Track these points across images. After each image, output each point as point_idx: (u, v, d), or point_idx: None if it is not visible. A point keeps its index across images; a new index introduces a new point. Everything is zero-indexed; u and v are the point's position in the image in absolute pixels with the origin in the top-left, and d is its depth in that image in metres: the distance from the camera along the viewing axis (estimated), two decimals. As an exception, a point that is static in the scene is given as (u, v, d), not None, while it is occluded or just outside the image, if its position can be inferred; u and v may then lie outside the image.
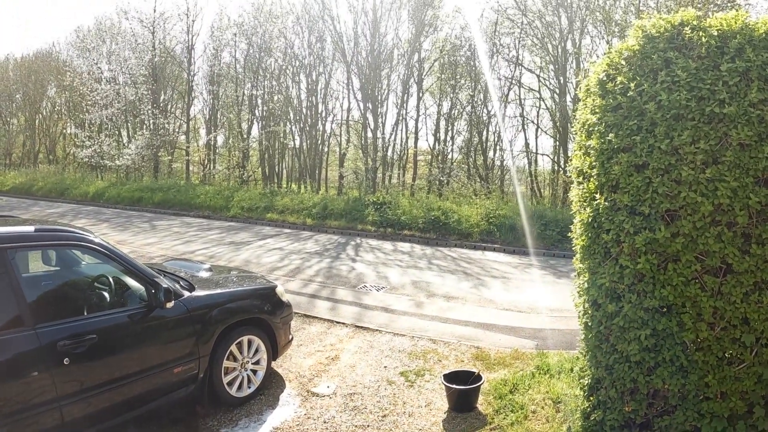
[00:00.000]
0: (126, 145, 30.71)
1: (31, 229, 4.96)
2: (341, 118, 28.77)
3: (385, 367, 6.95)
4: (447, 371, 6.19)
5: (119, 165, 29.60)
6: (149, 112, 29.80)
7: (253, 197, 21.17)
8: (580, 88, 4.86)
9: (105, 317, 5.06)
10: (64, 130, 39.67)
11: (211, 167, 31.30)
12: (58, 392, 4.54)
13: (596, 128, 4.31)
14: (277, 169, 30.93)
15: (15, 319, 4.45)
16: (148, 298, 5.26)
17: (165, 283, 5.34)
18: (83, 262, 6.06)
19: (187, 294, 5.70)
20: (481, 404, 5.89)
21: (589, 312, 4.45)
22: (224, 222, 19.52)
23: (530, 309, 9.31)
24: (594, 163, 4.31)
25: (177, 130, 32.78)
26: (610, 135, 4.14)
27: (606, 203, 4.17)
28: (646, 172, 3.97)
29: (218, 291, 6.18)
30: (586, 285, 4.44)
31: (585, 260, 4.46)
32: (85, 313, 5.13)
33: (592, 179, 4.33)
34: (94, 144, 29.95)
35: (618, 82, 4.21)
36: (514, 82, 25.43)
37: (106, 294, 5.31)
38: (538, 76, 25.26)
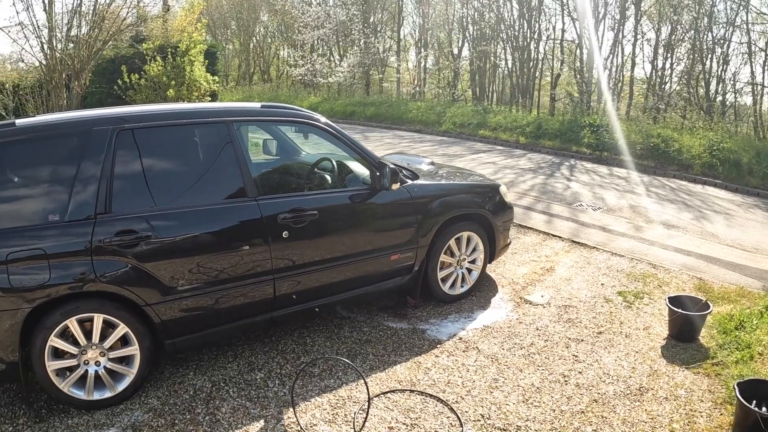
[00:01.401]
0: (338, 63, 31.20)
1: (257, 105, 5.02)
2: (555, 39, 27.24)
3: (602, 284, 6.56)
4: (671, 295, 5.69)
5: (331, 82, 30.17)
6: (360, 31, 29.94)
7: (466, 113, 20.75)
8: None
9: (327, 195, 5.04)
10: (278, 52, 40.92)
11: (422, 86, 31.12)
12: (273, 265, 4.60)
13: None
14: (487, 91, 30.14)
15: (237, 189, 4.53)
16: (372, 180, 5.14)
17: (391, 165, 5.17)
18: (303, 152, 6.11)
19: (410, 182, 5.51)
20: (703, 337, 5.36)
21: None
22: (435, 136, 19.39)
23: (755, 249, 8.37)
24: None
25: (387, 50, 32.76)
26: None
27: None
28: None
29: (442, 182, 5.98)
30: None
31: None
32: (307, 191, 5.15)
33: None
34: (306, 63, 30.63)
35: None
36: (741, 5, 22.51)
37: (328, 176, 5.28)
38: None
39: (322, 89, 31.72)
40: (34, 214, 3.85)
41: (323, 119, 5.18)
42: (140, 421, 4.08)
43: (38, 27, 16.12)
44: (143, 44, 17.26)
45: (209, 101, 16.12)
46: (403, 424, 4.08)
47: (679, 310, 5.26)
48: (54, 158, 4.01)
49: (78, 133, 4.09)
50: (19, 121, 4.11)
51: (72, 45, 17.07)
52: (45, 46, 16.34)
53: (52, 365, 3.95)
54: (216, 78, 17.67)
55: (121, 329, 4.10)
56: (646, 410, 4.25)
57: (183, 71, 15.85)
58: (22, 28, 16.09)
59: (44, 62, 16.49)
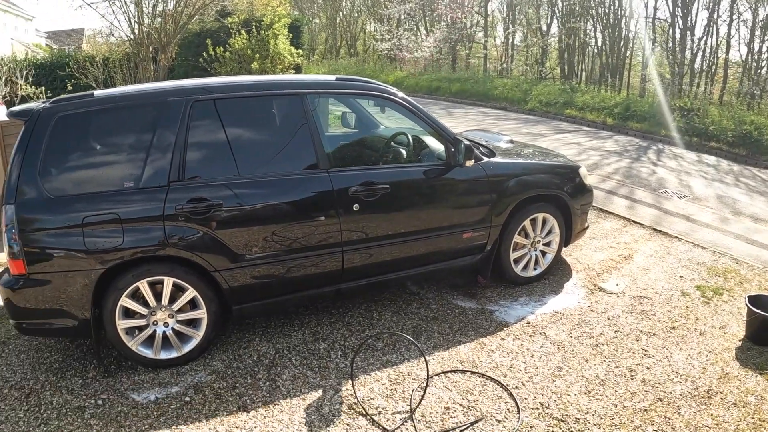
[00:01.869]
0: (424, 38, 30.72)
1: (332, 77, 4.92)
2: (646, 17, 25.89)
3: (680, 276, 6.23)
4: (751, 293, 5.32)
5: (417, 57, 29.72)
6: (446, 6, 29.30)
7: (552, 92, 20.14)
8: None
9: (400, 169, 4.94)
10: (364, 26, 40.70)
11: (508, 63, 30.34)
12: (343, 237, 4.55)
13: None
14: (576, 69, 29.08)
15: (309, 161, 4.49)
16: (446, 156, 4.99)
17: (466, 141, 5.00)
18: (381, 126, 6.00)
19: (486, 159, 5.33)
20: (782, 342, 4.99)
21: None
22: (521, 114, 18.92)
23: None
24: None
25: (474, 25, 32.00)
26: None
27: None
28: None
29: (519, 161, 5.74)
30: None
31: None
32: (380, 165, 5.07)
33: None
34: (393, 38, 30.24)
35: None
36: None
37: (402, 151, 5.15)
38: None
39: (408, 64, 31.37)
40: (109, 181, 3.95)
41: (400, 93, 5.05)
42: (203, 382, 4.14)
43: (125, 3, 16.67)
44: (228, 18, 17.59)
45: (293, 74, 16.29)
46: (460, 405, 3.99)
47: (759, 311, 4.89)
48: (130, 128, 4.09)
49: (153, 104, 4.15)
50: (97, 93, 4.21)
51: (159, 20, 17.52)
52: (132, 21, 16.87)
53: (122, 324, 4.06)
54: (300, 51, 17.79)
55: (190, 293, 4.17)
56: (711, 414, 3.98)
57: (267, 44, 16.03)
58: (110, 5, 16.67)
59: (132, 36, 17.01)
